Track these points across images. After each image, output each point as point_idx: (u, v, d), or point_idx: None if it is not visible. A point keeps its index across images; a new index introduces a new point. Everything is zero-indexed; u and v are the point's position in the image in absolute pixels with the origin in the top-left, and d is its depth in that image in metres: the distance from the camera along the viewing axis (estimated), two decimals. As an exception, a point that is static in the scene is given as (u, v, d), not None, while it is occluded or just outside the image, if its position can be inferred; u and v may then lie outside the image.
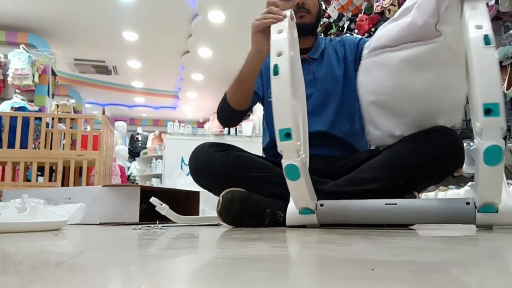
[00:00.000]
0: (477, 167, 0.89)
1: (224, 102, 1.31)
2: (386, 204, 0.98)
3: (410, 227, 1.12)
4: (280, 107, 0.92)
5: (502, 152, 0.82)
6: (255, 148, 1.42)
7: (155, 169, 6.12)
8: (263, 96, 1.40)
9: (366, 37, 2.65)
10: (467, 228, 1.03)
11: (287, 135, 0.91)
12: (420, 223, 1.16)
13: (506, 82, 1.76)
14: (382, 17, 2.59)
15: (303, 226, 1.06)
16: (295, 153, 0.92)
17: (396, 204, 0.98)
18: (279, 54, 0.95)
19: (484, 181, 0.86)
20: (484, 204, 0.89)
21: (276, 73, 0.93)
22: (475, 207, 0.91)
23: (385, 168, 1.09)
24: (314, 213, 1.01)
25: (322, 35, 3.21)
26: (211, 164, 1.18)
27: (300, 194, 0.98)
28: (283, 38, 0.98)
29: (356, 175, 1.12)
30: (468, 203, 0.92)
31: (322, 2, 3.17)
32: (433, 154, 1.05)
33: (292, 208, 1.04)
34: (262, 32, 1.09)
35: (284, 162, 0.94)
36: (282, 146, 0.92)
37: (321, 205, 1.01)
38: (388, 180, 1.07)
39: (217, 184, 1.17)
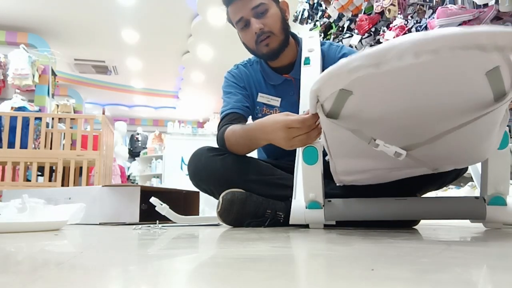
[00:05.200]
0: None
1: (224, 146, 1.19)
2: (396, 199, 0.99)
3: (413, 227, 1.12)
4: (308, 92, 0.96)
5: (508, 136, 0.85)
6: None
7: (155, 169, 6.12)
8: (253, 113, 1.35)
9: (366, 37, 2.66)
10: (471, 228, 1.03)
11: None
12: (431, 218, 1.17)
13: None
14: (382, 17, 2.59)
15: (306, 226, 1.06)
16: None
17: (406, 199, 0.99)
18: (311, 50, 1.04)
19: (492, 166, 0.88)
20: (493, 195, 0.91)
21: (307, 63, 1.02)
22: (484, 201, 0.92)
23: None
24: (321, 208, 0.99)
25: (322, 35, 3.17)
26: (211, 168, 1.17)
27: (313, 181, 0.97)
28: (314, 39, 1.08)
29: None
30: (477, 198, 0.94)
31: (322, 2, 3.16)
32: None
33: (297, 205, 1.02)
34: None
35: None
36: None
37: (329, 200, 1.01)
38: (394, 185, 1.07)
39: (217, 188, 1.16)
